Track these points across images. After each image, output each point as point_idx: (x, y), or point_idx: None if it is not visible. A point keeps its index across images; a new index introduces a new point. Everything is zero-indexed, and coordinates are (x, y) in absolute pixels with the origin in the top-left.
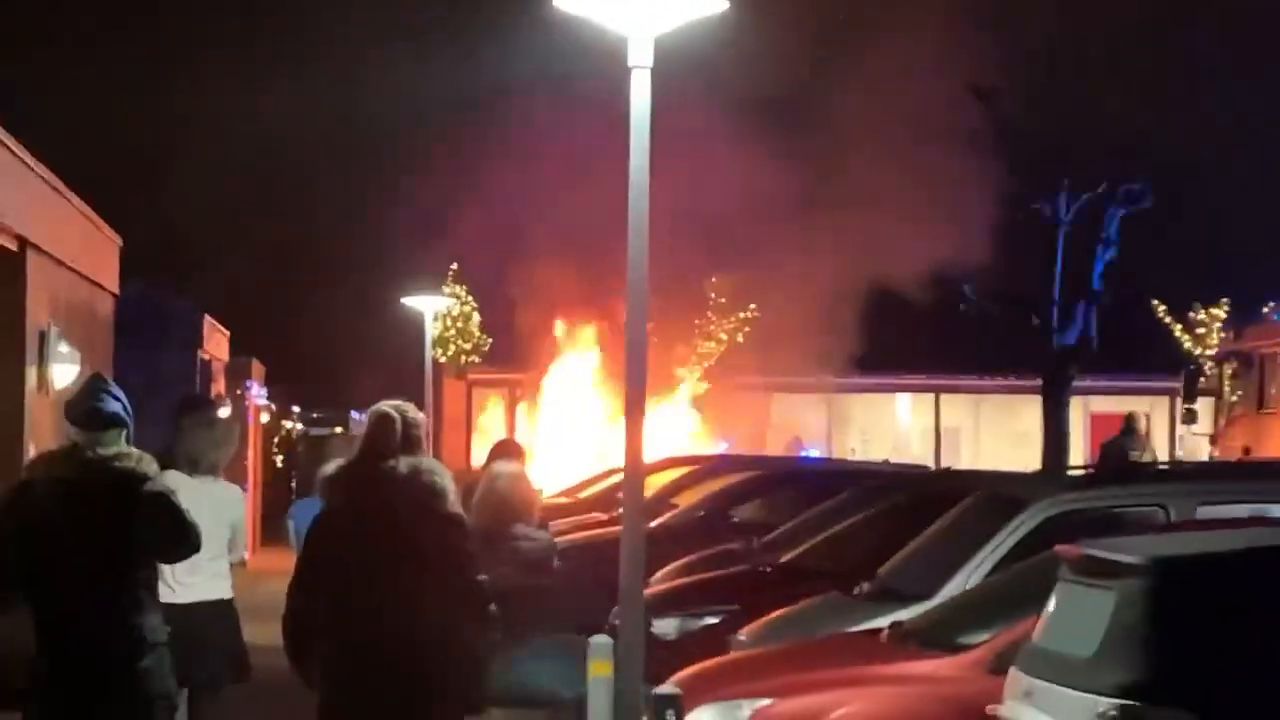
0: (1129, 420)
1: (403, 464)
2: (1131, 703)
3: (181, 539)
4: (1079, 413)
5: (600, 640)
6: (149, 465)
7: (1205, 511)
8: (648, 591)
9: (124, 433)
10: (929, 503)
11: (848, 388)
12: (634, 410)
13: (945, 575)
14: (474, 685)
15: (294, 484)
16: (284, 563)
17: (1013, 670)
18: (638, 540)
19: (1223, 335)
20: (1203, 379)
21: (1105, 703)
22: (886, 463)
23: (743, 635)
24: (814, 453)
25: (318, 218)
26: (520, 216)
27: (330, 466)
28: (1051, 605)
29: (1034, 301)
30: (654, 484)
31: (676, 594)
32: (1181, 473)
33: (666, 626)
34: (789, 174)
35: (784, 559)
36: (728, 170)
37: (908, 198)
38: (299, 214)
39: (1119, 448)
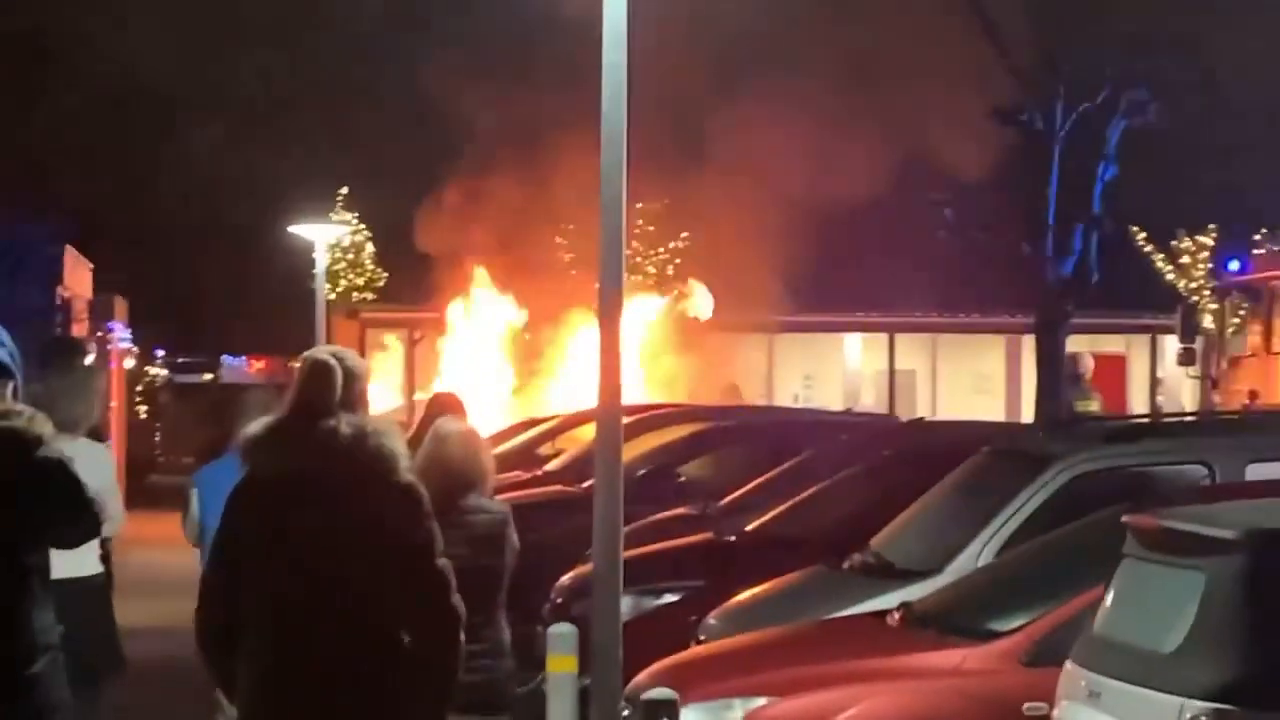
0: (1072, 364)
1: (345, 423)
2: (1227, 706)
3: (80, 519)
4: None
5: (560, 630)
6: (42, 425)
7: (1256, 470)
8: (587, 567)
9: (10, 385)
10: (916, 460)
11: (791, 326)
12: (609, 343)
13: (956, 546)
14: (439, 703)
15: (157, 439)
16: (157, 530)
17: (1070, 666)
18: (613, 504)
19: (1209, 266)
20: None
21: (1195, 706)
22: (849, 411)
23: (713, 619)
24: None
25: (188, 137)
26: (424, 132)
27: (256, 425)
28: (1117, 588)
29: (1025, 226)
30: (582, 438)
31: (627, 567)
32: (1225, 425)
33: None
34: (729, 69)
35: (750, 526)
36: (661, 69)
37: (870, 103)
38: (167, 133)
39: (1069, 398)
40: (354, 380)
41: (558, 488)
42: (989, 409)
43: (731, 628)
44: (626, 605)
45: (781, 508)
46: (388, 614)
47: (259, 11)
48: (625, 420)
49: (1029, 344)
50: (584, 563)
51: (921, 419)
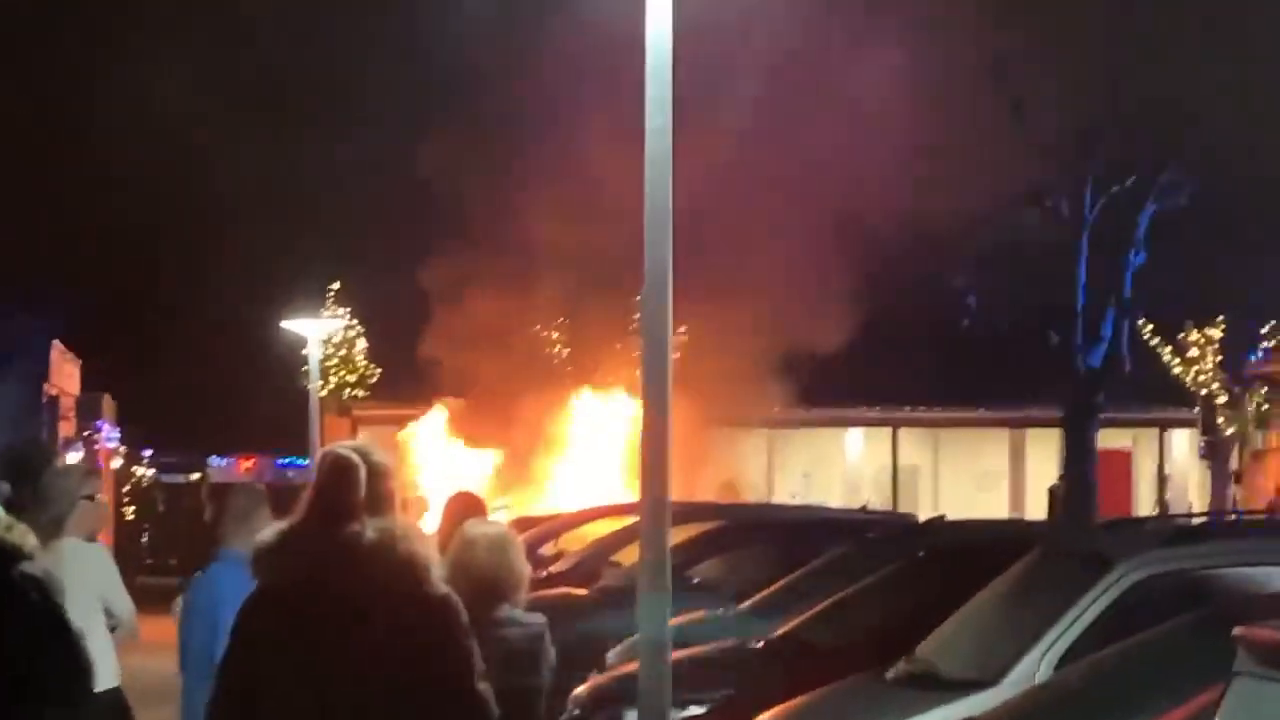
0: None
1: (370, 528)
2: None
3: (51, 649)
4: (1049, 448)
5: None
6: (24, 537)
7: None
8: (605, 676)
9: None
10: (952, 561)
11: (791, 421)
12: (655, 433)
13: (1012, 656)
14: None
15: (145, 541)
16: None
17: None
18: (659, 614)
19: (1219, 359)
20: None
21: None
22: (864, 509)
23: None
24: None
25: (178, 233)
26: (419, 228)
27: (268, 532)
28: (1231, 710)
29: (1053, 315)
30: (586, 537)
31: None
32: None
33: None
34: (737, 156)
35: (777, 631)
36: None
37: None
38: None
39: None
40: (380, 479)
41: (565, 590)
42: (992, 506)
43: None
44: None
45: (810, 612)
46: None
47: (248, 105)
48: (632, 520)
49: (1033, 439)
50: (600, 670)
51: (942, 517)
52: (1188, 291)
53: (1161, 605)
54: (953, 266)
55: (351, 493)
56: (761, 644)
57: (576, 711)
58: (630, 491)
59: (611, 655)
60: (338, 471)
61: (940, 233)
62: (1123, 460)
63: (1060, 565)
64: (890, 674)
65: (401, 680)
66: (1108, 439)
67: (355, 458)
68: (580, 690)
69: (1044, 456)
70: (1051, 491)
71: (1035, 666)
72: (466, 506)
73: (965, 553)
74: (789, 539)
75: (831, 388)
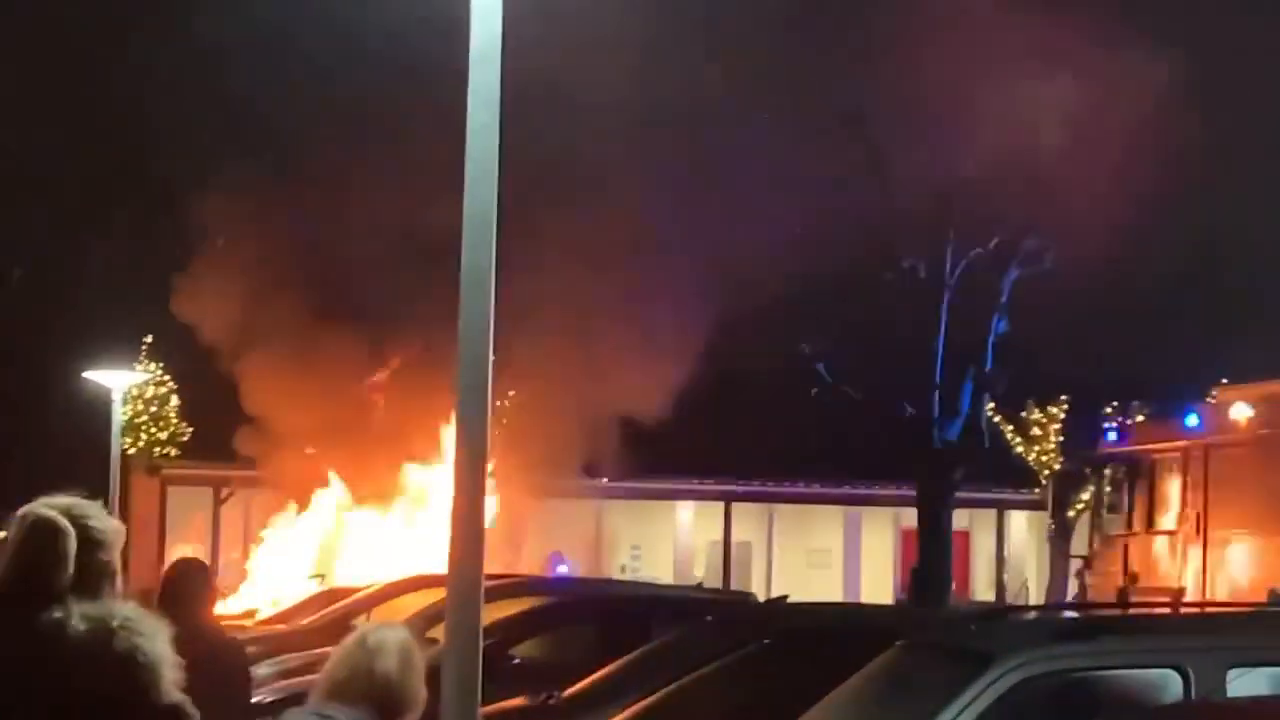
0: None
1: (78, 615)
2: None
3: None
4: (887, 527)
5: None
6: None
7: (1239, 678)
8: None
9: None
10: (800, 648)
11: (621, 493)
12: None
13: None
14: None
15: None
16: None
17: None
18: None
19: (1060, 439)
20: (1039, 490)
21: None
22: (700, 586)
23: None
24: (564, 570)
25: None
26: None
27: None
28: None
29: (908, 385)
30: (402, 610)
31: None
32: (1197, 622)
33: None
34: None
35: None
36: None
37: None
38: None
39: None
40: (95, 549)
41: None
42: (826, 584)
43: None
44: None
45: (644, 702)
46: None
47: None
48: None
49: (869, 517)
50: None
51: (784, 598)
52: (1027, 369)
53: (1046, 711)
54: (805, 333)
55: (55, 568)
56: None
57: None
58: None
59: None
60: (37, 536)
61: (793, 296)
62: (961, 540)
63: (930, 660)
64: None
65: None
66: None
67: (63, 522)
68: None
69: (878, 535)
70: (913, 572)
71: None
72: (188, 575)
73: (816, 640)
74: (620, 618)
75: (667, 459)
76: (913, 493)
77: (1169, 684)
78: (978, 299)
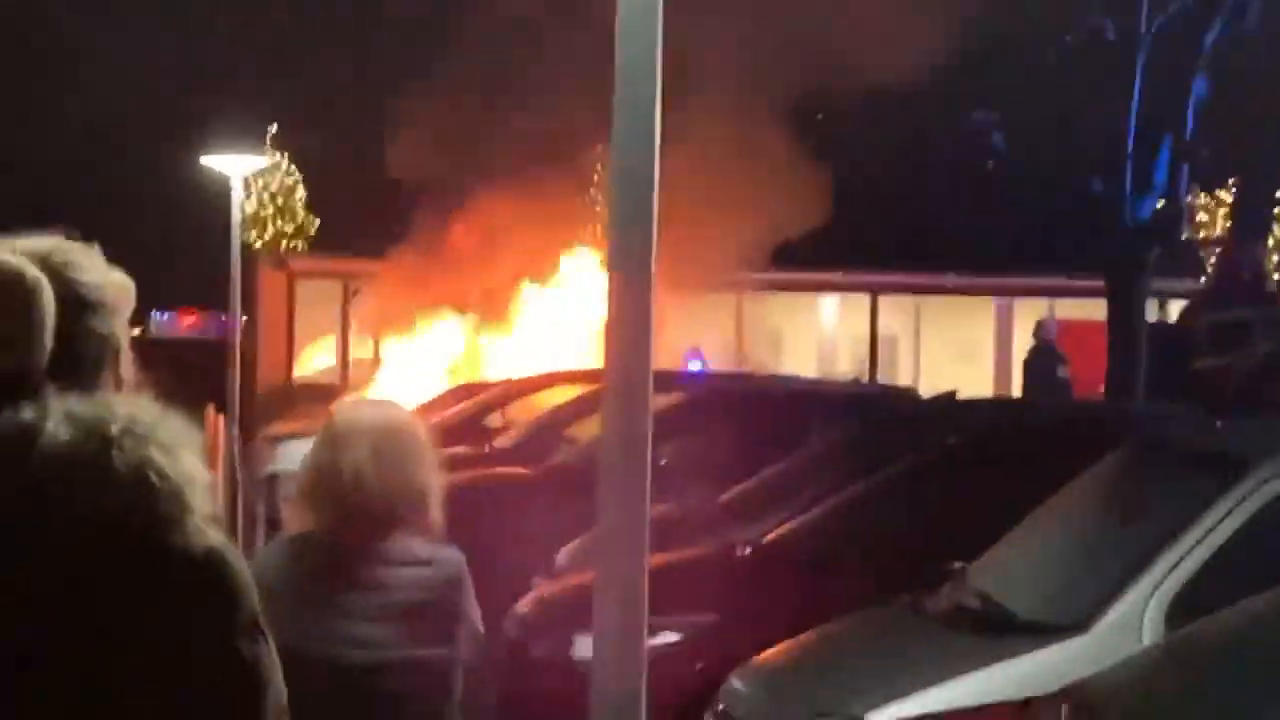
0: (1044, 330)
1: (57, 416)
2: None
3: None
4: (1024, 319)
5: None
6: None
7: None
8: (554, 587)
9: None
10: (995, 451)
11: (762, 285)
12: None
13: (1107, 591)
14: None
15: None
16: None
17: None
18: (634, 495)
19: (1228, 225)
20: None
21: None
22: (856, 381)
23: (738, 681)
24: (697, 365)
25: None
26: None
27: None
28: None
29: (1097, 157)
30: (537, 408)
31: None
32: None
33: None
34: None
35: (769, 536)
36: None
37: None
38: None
39: (1044, 367)
40: (88, 314)
41: (509, 469)
42: (975, 380)
43: (768, 697)
44: None
45: (810, 513)
46: None
47: None
48: (587, 388)
49: (1021, 308)
50: (548, 578)
51: (952, 394)
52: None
53: None
54: (974, 101)
55: (21, 344)
56: (749, 551)
57: (514, 635)
58: (591, 358)
59: (562, 556)
60: None
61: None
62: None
63: (1166, 468)
64: (931, 605)
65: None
66: (1094, 311)
67: (31, 273)
68: (521, 606)
69: (1031, 328)
70: (1027, 366)
71: (1140, 608)
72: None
73: (1013, 440)
74: (776, 415)
75: (811, 248)
76: (1069, 282)
77: None
78: (1172, 61)
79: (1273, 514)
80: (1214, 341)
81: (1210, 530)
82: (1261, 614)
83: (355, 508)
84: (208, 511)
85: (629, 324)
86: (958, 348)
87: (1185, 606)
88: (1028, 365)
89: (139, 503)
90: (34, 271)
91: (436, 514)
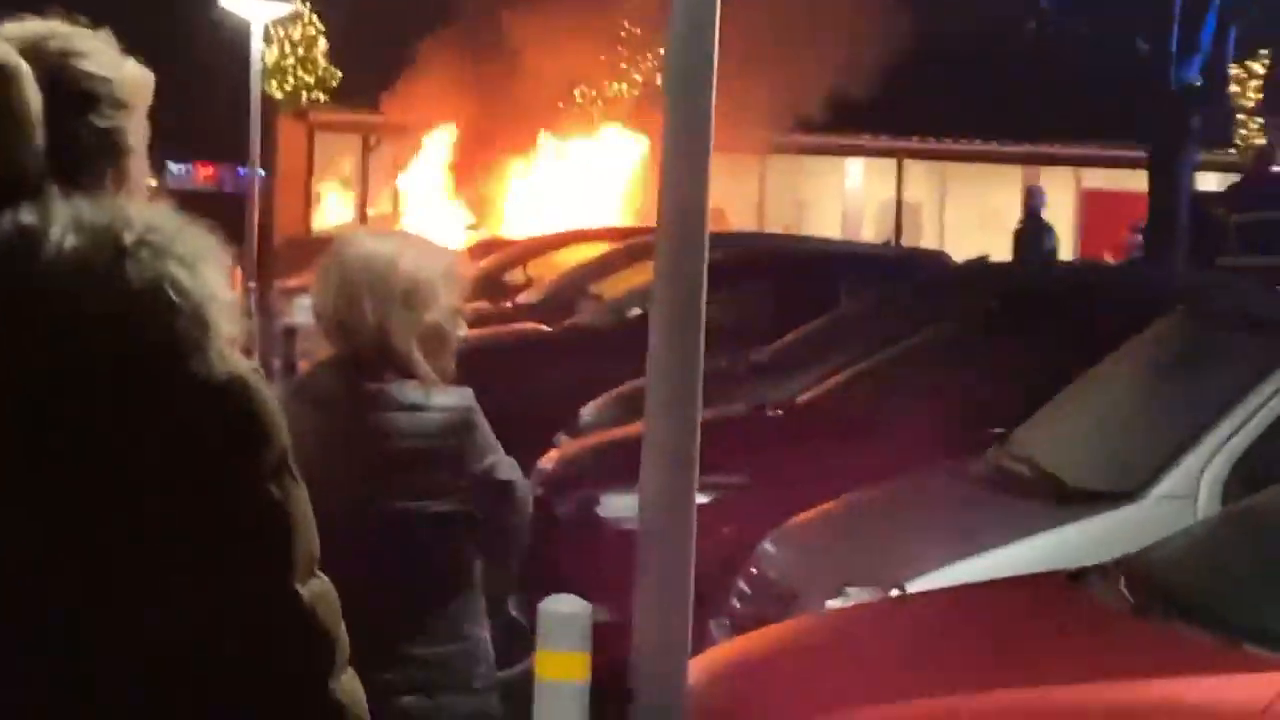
0: (1030, 200)
1: (63, 221)
2: None
3: None
4: (1068, 187)
5: (558, 609)
6: None
7: None
8: (577, 445)
9: None
10: (1033, 313)
11: (787, 147)
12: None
13: (1162, 459)
14: None
15: None
16: None
17: None
18: (690, 348)
19: (1260, 97)
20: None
21: None
22: (889, 244)
23: (772, 544)
24: None
25: None
26: None
27: None
28: None
29: (1142, 17)
30: (560, 264)
31: (631, 447)
32: None
33: (621, 505)
34: None
35: (803, 396)
36: None
37: None
38: None
39: (1033, 237)
40: (92, 108)
41: (531, 325)
42: (1000, 248)
43: (805, 562)
44: (629, 505)
45: (845, 373)
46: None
47: None
48: (613, 246)
49: (1048, 176)
50: (572, 435)
51: (984, 258)
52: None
53: None
54: None
55: (9, 139)
56: (782, 411)
57: (539, 492)
58: (615, 216)
59: (585, 412)
60: None
61: None
62: (1136, 205)
63: (1222, 333)
64: (974, 470)
65: (128, 558)
66: (1122, 180)
67: (13, 58)
68: (545, 461)
69: (1058, 196)
70: (1015, 234)
71: (1195, 477)
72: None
73: (1055, 304)
74: (806, 276)
75: (837, 112)
76: (1099, 151)
77: None
78: None
79: None
80: (1242, 241)
81: (1270, 397)
82: None
83: (347, 349)
84: (233, 335)
85: (685, 182)
86: (981, 216)
87: (1242, 476)
88: (1017, 235)
89: (156, 321)
90: (13, 58)
91: (443, 357)
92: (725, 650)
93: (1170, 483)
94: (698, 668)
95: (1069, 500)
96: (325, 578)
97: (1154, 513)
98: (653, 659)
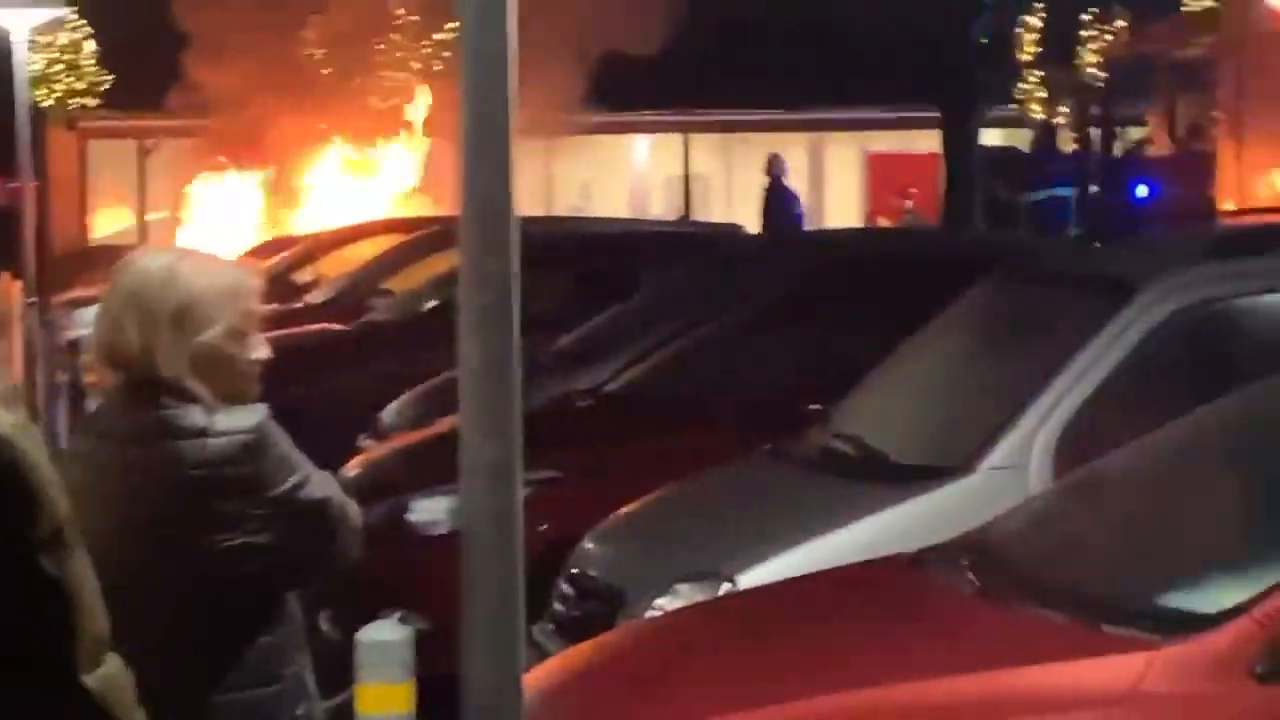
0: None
1: None
2: None
3: None
4: (852, 153)
5: (379, 637)
6: None
7: None
8: (378, 450)
9: None
10: (852, 283)
11: (573, 128)
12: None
13: (990, 430)
14: None
15: None
16: None
17: None
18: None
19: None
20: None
21: None
22: (684, 219)
23: (593, 543)
24: None
25: None
26: None
27: None
28: None
29: None
30: (350, 260)
31: (438, 448)
32: None
33: (432, 509)
34: None
35: (613, 384)
36: None
37: None
38: None
39: (779, 203)
40: None
41: (324, 326)
42: None
43: (628, 559)
44: (444, 507)
45: (655, 356)
46: None
47: None
48: (406, 238)
49: (832, 143)
50: (375, 437)
51: (796, 223)
52: None
53: (1209, 349)
54: None
55: None
56: (591, 401)
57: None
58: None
59: (387, 414)
60: None
61: None
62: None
63: (1045, 295)
64: (796, 452)
65: None
66: (910, 142)
67: None
68: (349, 470)
69: (843, 162)
70: (764, 200)
71: (1026, 446)
72: None
73: (874, 271)
74: (602, 259)
75: (620, 90)
76: (883, 115)
77: None
78: None
79: (1163, 338)
80: (1034, 220)
81: (1098, 358)
82: (1165, 446)
83: (119, 375)
84: None
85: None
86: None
87: (1075, 441)
88: (765, 202)
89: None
90: None
91: (229, 380)
92: (559, 666)
93: (1001, 453)
94: (532, 686)
95: (898, 478)
96: (115, 657)
97: (986, 486)
98: (484, 692)
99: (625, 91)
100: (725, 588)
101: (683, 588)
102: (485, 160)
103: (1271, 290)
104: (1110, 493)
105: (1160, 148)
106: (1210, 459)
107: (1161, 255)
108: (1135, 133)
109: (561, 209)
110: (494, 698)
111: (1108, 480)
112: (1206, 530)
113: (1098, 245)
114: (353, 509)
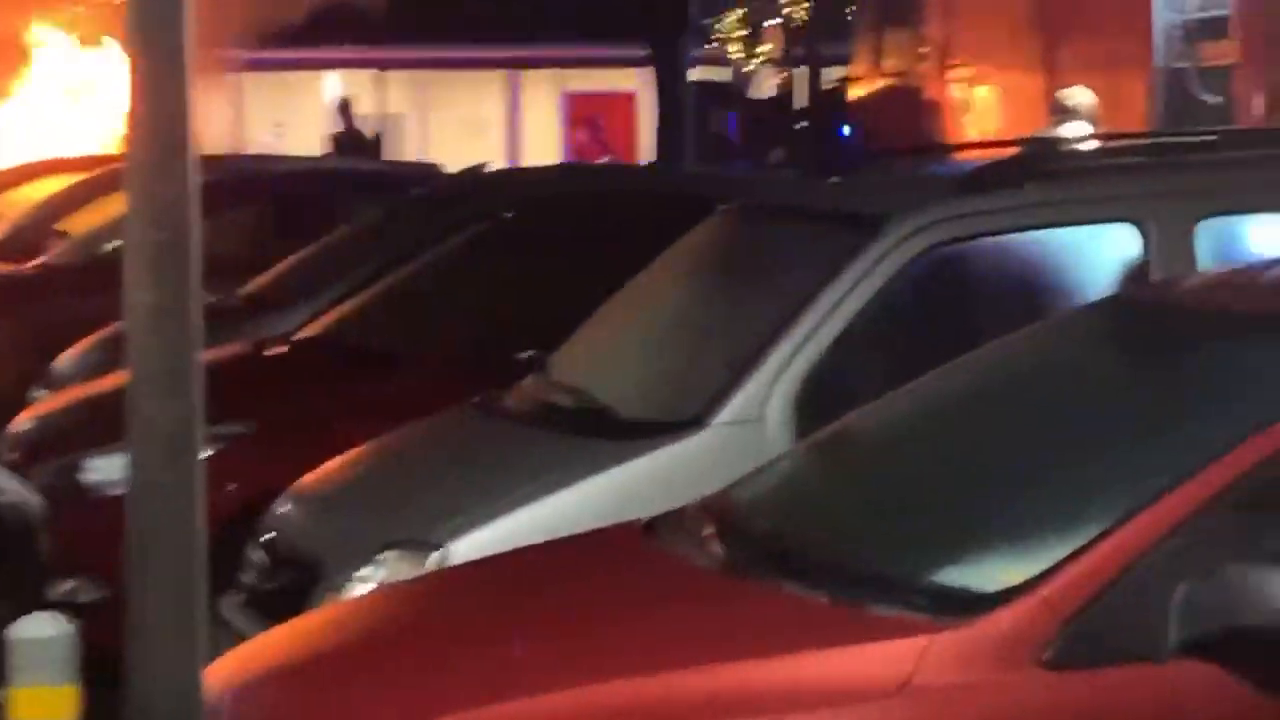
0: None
1: None
2: None
3: None
4: (550, 91)
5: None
6: None
7: (1209, 230)
8: (50, 404)
9: None
10: (555, 224)
11: (260, 64)
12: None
13: (723, 380)
14: None
15: None
16: None
17: None
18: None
19: None
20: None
21: None
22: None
23: (289, 504)
24: None
25: None
26: None
27: None
28: None
29: None
30: (22, 202)
31: (117, 401)
32: (1158, 161)
33: (106, 468)
34: None
35: (305, 332)
36: None
37: None
38: None
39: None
40: None
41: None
42: (486, 156)
43: (327, 524)
44: (116, 468)
45: (349, 303)
46: None
47: None
48: (81, 177)
49: (530, 81)
50: (50, 389)
51: (482, 166)
52: None
53: (961, 284)
54: None
55: None
56: (285, 349)
57: (15, 458)
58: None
59: (62, 363)
60: None
61: None
62: (624, 104)
63: (781, 232)
64: (514, 403)
65: None
66: (612, 80)
67: None
68: (16, 425)
69: (540, 101)
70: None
71: (763, 398)
72: None
73: (583, 210)
74: (294, 199)
75: (311, 24)
76: (580, 53)
77: (1122, 242)
78: None
79: (911, 277)
80: None
81: (842, 300)
82: (933, 397)
83: None
84: None
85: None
86: (465, 125)
87: (817, 392)
88: (336, 145)
89: None
90: None
91: None
92: (250, 656)
93: (735, 407)
94: (217, 683)
95: (622, 434)
96: None
97: (720, 442)
98: (156, 695)
99: (319, 27)
100: (435, 556)
101: (388, 556)
102: (156, 77)
103: (1033, 225)
104: (871, 453)
105: (870, 84)
106: (986, 413)
107: (908, 189)
108: (836, 72)
109: (254, 149)
110: (170, 701)
111: (867, 438)
112: (984, 497)
113: (834, 179)
114: (27, 508)
